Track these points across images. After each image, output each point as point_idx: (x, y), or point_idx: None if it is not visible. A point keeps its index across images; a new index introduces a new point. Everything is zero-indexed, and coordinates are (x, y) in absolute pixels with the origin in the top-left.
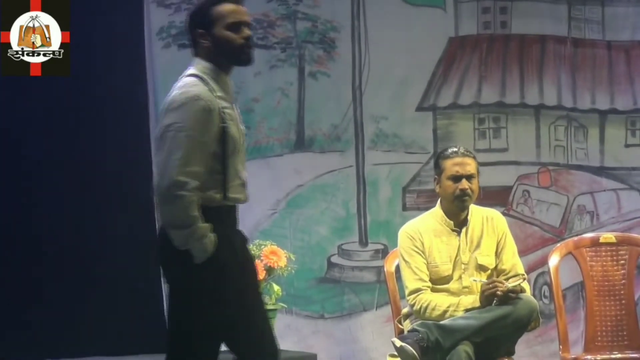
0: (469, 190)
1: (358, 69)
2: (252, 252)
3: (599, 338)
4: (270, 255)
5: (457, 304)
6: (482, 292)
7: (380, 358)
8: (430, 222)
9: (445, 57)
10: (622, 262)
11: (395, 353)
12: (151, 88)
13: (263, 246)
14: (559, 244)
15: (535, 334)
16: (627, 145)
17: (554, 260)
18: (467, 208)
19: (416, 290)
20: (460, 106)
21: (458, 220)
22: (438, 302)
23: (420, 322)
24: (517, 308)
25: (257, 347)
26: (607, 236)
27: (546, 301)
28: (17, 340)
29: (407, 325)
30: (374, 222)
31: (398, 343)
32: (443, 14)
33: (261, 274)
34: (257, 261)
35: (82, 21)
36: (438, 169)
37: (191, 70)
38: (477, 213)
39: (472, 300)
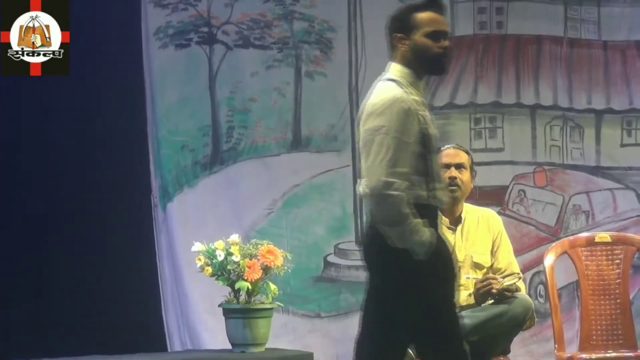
0: (457, 180)
1: (355, 69)
2: (248, 251)
3: (594, 337)
4: (267, 255)
5: None
6: (477, 289)
7: None
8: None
9: None
10: (617, 261)
11: None
12: (148, 87)
13: (260, 245)
14: (554, 244)
15: (530, 333)
16: (622, 145)
17: (549, 260)
18: (456, 200)
19: None
20: (456, 106)
21: (453, 217)
22: None
23: None
24: (512, 307)
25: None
26: (603, 236)
27: (541, 300)
28: (17, 340)
29: None
30: None
31: None
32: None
33: (258, 274)
34: (253, 260)
35: (81, 21)
36: None
37: (388, 75)
38: (472, 212)
39: (466, 296)
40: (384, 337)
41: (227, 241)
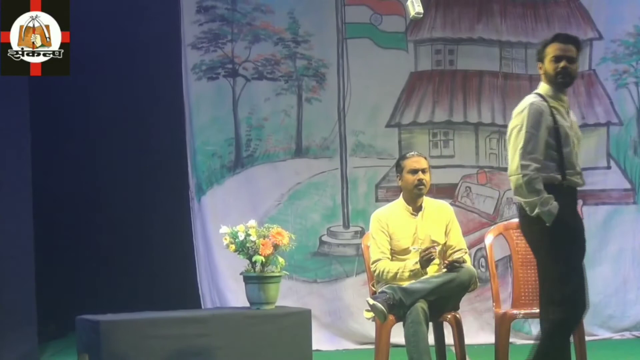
0: (424, 180)
1: (342, 96)
2: (262, 233)
3: (523, 297)
4: (277, 235)
5: (404, 266)
6: (421, 257)
7: (358, 312)
8: (395, 209)
9: (407, 87)
10: None
11: (369, 309)
12: (187, 109)
13: (271, 228)
14: (492, 227)
15: (474, 294)
16: None
17: (489, 239)
18: (423, 195)
19: (376, 260)
20: (418, 124)
21: (415, 206)
22: (389, 267)
23: (388, 285)
24: (460, 274)
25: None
26: None
27: (483, 269)
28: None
29: (378, 288)
30: (354, 211)
31: (371, 301)
32: (405, 54)
33: (269, 250)
34: (266, 240)
35: (136, 62)
36: (400, 167)
37: (536, 90)
38: (430, 203)
39: (413, 263)
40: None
41: (246, 225)
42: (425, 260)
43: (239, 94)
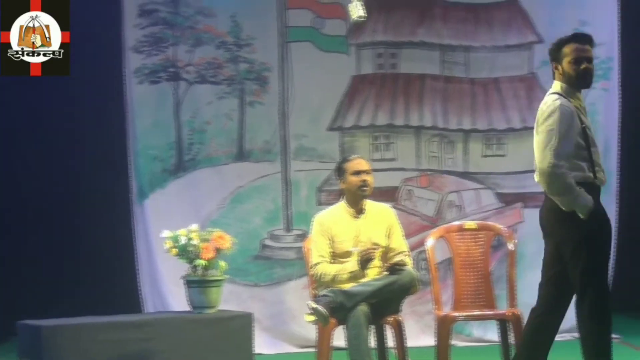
0: (368, 182)
1: (285, 99)
2: (204, 236)
3: (464, 299)
4: (218, 239)
5: (343, 269)
6: (360, 257)
7: (300, 316)
8: (337, 211)
9: (349, 90)
10: (481, 243)
11: (311, 312)
12: (129, 113)
13: (213, 232)
14: (434, 230)
15: (416, 297)
16: (484, 156)
17: (430, 242)
18: (367, 196)
19: (316, 264)
20: (360, 127)
21: (358, 209)
22: (328, 269)
23: (329, 288)
24: (402, 277)
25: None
26: (470, 224)
27: (424, 272)
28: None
29: (319, 291)
30: (296, 214)
31: (313, 305)
32: (347, 58)
33: (211, 253)
34: (207, 244)
35: (79, 62)
36: (342, 170)
37: (552, 89)
38: (372, 206)
39: (352, 265)
40: (558, 284)
41: (188, 229)
42: (365, 261)
43: (181, 97)
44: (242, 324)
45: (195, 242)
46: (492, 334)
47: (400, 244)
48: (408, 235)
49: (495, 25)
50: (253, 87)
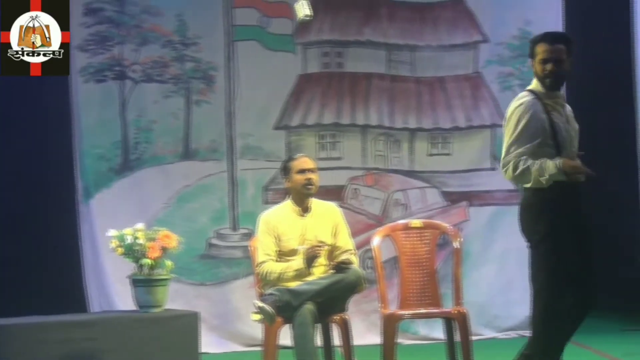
0: (313, 180)
1: (231, 98)
2: (150, 236)
3: (410, 298)
4: (164, 238)
5: (288, 267)
6: (305, 255)
7: (246, 315)
8: (283, 210)
9: (295, 89)
10: (427, 241)
11: (257, 311)
12: (75, 112)
13: (159, 231)
14: (380, 228)
15: (362, 296)
16: (429, 155)
17: (376, 240)
18: (312, 194)
19: (261, 262)
20: (306, 126)
21: (304, 207)
22: (273, 268)
23: (275, 287)
24: (347, 275)
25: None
26: (416, 222)
27: (370, 270)
28: None
29: (266, 290)
30: (242, 213)
31: (259, 304)
32: (294, 57)
33: (157, 252)
34: (153, 243)
35: None
36: (287, 169)
37: (529, 87)
38: (318, 204)
39: (298, 263)
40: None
41: (134, 228)
42: (310, 258)
43: (127, 96)
44: (188, 323)
45: (141, 241)
46: (437, 332)
47: (346, 242)
48: (354, 234)
49: (441, 25)
50: (199, 86)
